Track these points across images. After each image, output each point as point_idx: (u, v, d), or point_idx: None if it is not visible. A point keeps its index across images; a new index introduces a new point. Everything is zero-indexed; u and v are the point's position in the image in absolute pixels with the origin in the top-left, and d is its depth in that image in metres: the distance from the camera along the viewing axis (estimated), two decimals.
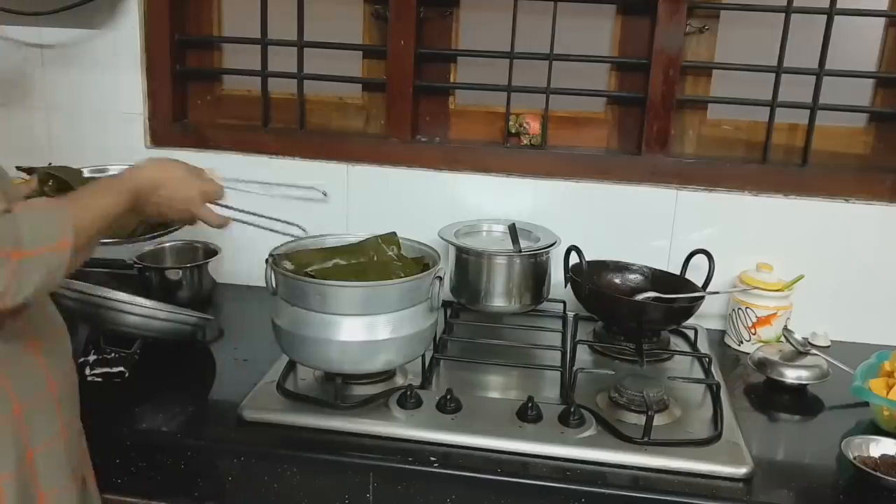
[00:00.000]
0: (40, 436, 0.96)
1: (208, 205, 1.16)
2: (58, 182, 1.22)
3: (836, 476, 1.14)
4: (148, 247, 1.70)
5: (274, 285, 1.24)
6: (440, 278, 1.24)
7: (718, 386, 1.29)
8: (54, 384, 0.99)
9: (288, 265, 1.26)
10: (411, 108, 1.69)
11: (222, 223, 1.17)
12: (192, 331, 1.41)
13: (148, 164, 1.10)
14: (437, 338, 1.39)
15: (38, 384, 0.97)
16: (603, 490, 1.07)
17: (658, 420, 1.18)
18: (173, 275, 1.63)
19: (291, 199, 1.64)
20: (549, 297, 1.57)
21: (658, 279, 1.55)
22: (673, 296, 1.48)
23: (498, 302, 1.51)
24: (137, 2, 1.69)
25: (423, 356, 1.32)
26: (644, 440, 1.13)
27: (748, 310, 1.53)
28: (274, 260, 1.26)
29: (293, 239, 1.33)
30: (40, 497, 0.97)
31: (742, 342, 1.55)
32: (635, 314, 1.45)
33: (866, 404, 1.26)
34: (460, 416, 1.19)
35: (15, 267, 0.83)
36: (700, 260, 1.49)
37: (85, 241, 0.93)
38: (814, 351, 1.43)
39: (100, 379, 1.30)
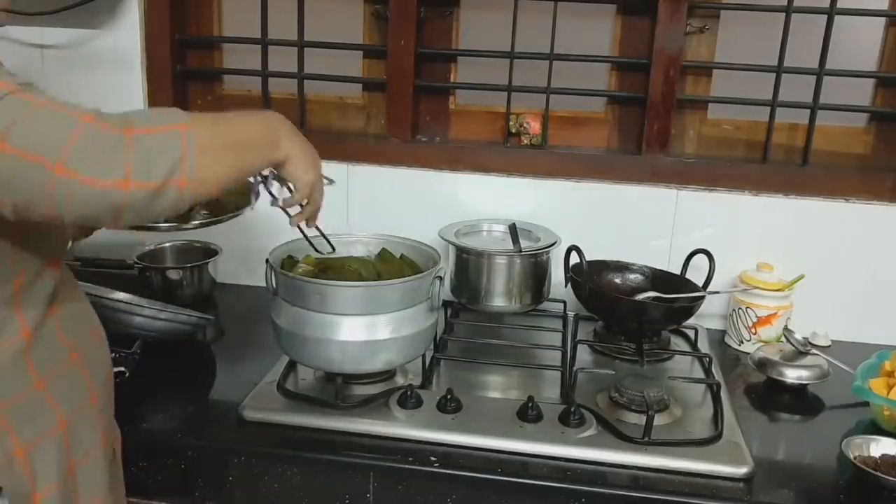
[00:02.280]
0: (81, 447, 0.95)
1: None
2: None
3: (836, 476, 1.14)
4: (148, 246, 1.70)
5: (274, 285, 1.24)
6: (440, 278, 1.24)
7: (719, 386, 1.29)
8: (95, 395, 0.98)
9: (304, 267, 1.27)
10: (411, 108, 1.69)
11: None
12: (193, 331, 1.41)
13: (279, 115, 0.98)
14: (438, 338, 1.39)
15: (81, 396, 0.96)
16: (603, 490, 1.07)
17: (658, 420, 1.18)
18: (174, 275, 1.63)
19: None
20: (550, 296, 1.57)
21: (658, 279, 1.55)
22: (673, 296, 1.48)
23: (498, 302, 1.51)
24: (137, 2, 1.69)
25: (424, 356, 1.32)
26: (644, 440, 1.13)
27: (748, 310, 1.53)
28: (291, 263, 1.28)
29: (293, 239, 1.34)
30: None
31: (742, 342, 1.55)
32: (636, 314, 1.45)
33: (867, 404, 1.26)
34: (460, 416, 1.19)
35: (132, 141, 0.74)
36: (700, 260, 1.49)
37: (212, 142, 0.82)
38: (814, 351, 1.43)
39: None
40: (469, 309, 1.57)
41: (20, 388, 0.88)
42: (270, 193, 1.04)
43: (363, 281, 1.25)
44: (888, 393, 1.23)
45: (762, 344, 1.49)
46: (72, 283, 0.98)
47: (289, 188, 1.03)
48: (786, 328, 1.50)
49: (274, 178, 1.03)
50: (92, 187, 0.73)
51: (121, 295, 1.44)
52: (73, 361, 0.95)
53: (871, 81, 1.62)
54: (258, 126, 0.94)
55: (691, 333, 1.55)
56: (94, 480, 0.98)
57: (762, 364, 1.40)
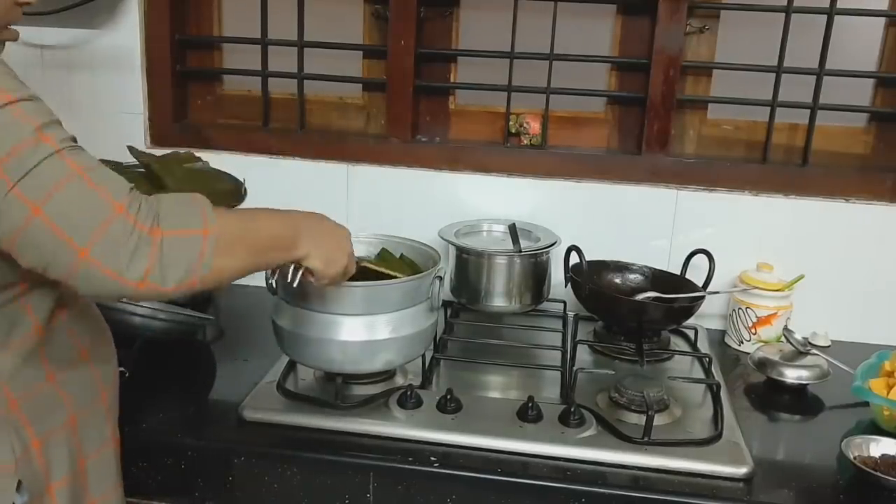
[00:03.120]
0: (92, 444, 0.98)
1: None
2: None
3: (836, 476, 1.14)
4: None
5: (274, 285, 1.24)
6: (440, 278, 1.24)
7: (718, 386, 1.29)
8: (105, 393, 1.01)
9: None
10: (411, 108, 1.69)
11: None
12: (192, 331, 1.41)
13: (312, 213, 1.03)
14: (438, 338, 1.39)
15: (91, 393, 0.98)
16: (603, 490, 1.07)
17: (658, 420, 1.18)
18: None
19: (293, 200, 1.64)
20: (550, 296, 1.57)
21: (658, 279, 1.55)
22: (673, 296, 1.48)
23: (498, 302, 1.51)
24: (137, 2, 1.69)
25: (424, 356, 1.32)
26: (644, 440, 1.13)
27: (748, 310, 1.53)
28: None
29: None
30: (90, 503, 0.98)
31: (742, 342, 1.55)
32: (635, 314, 1.45)
33: (866, 404, 1.26)
34: (460, 416, 1.19)
35: (157, 245, 0.79)
36: (700, 260, 1.49)
37: (231, 246, 0.86)
38: (814, 351, 1.43)
39: None
40: (469, 309, 1.57)
41: (35, 383, 0.90)
42: (293, 278, 1.05)
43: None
44: (888, 393, 1.23)
45: (762, 344, 1.49)
46: None
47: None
48: (786, 328, 1.50)
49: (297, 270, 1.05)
50: (111, 278, 0.78)
51: None
52: (83, 358, 0.97)
53: (871, 81, 1.62)
54: (281, 226, 0.98)
55: (691, 333, 1.55)
56: (104, 475, 1.00)
57: (762, 364, 1.40)
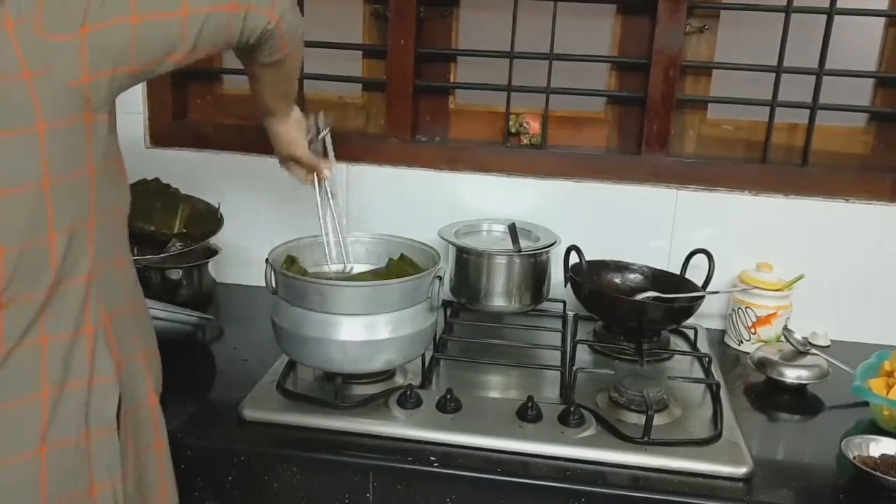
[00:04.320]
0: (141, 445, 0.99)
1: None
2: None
3: (836, 476, 1.14)
4: None
5: (274, 285, 1.24)
6: (440, 278, 1.24)
7: (718, 386, 1.29)
8: (153, 394, 1.02)
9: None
10: (411, 107, 1.69)
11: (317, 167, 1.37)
12: (192, 331, 1.41)
13: None
14: (437, 337, 1.39)
15: (141, 395, 0.99)
16: (603, 490, 1.07)
17: (658, 420, 1.18)
18: (173, 274, 1.63)
19: (292, 200, 1.64)
20: (549, 296, 1.57)
21: (658, 279, 1.55)
22: (673, 295, 1.48)
23: (498, 302, 1.51)
24: None
25: (423, 356, 1.32)
26: (644, 440, 1.13)
27: (748, 309, 1.53)
28: (291, 263, 1.30)
29: (293, 239, 1.34)
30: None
31: (742, 342, 1.55)
32: (635, 314, 1.45)
33: (866, 404, 1.26)
34: (460, 416, 1.19)
35: None
36: (700, 260, 1.49)
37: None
38: (814, 350, 1.44)
39: None
40: (469, 309, 1.57)
41: (119, 302, 0.94)
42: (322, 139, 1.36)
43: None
44: (888, 393, 1.23)
45: (762, 344, 1.49)
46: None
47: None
48: (785, 328, 1.50)
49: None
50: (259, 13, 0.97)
51: None
52: (138, 360, 0.99)
53: (871, 81, 1.63)
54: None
55: (691, 333, 1.55)
56: (149, 427, 1.02)
57: (762, 364, 1.40)
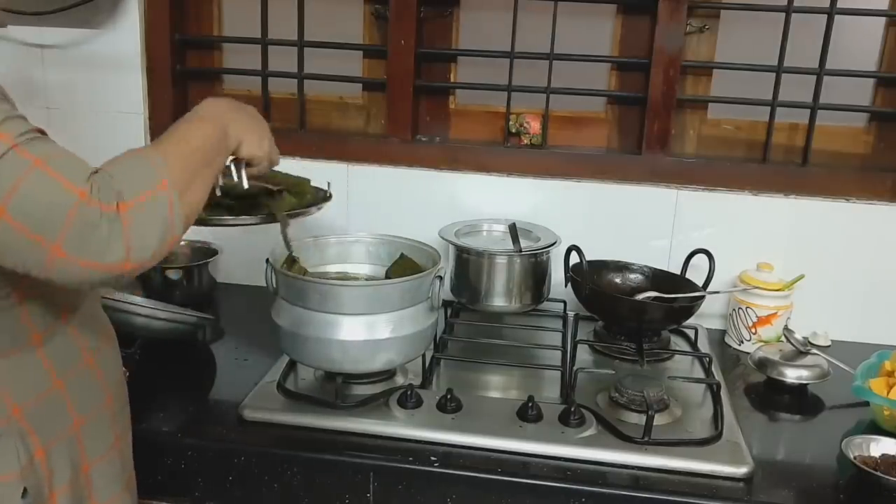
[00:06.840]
0: (96, 449, 0.96)
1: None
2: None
3: (836, 476, 1.14)
4: None
5: (274, 285, 1.24)
6: (440, 278, 1.24)
7: (719, 385, 1.29)
8: (110, 396, 0.99)
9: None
10: (411, 107, 1.69)
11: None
12: (192, 331, 1.41)
13: (213, 101, 0.99)
14: (438, 337, 1.39)
15: (97, 398, 0.97)
16: (603, 490, 1.07)
17: (658, 420, 1.18)
18: (173, 274, 1.63)
19: None
20: (550, 296, 1.57)
21: (658, 279, 1.55)
22: (673, 295, 1.48)
23: (498, 301, 1.51)
24: (137, 2, 1.69)
25: (424, 356, 1.32)
26: (644, 440, 1.13)
27: (748, 309, 1.53)
28: (291, 262, 1.29)
29: (293, 240, 1.34)
30: None
31: (742, 342, 1.55)
32: (636, 314, 1.45)
33: (867, 404, 1.26)
34: (460, 416, 1.19)
35: (129, 220, 0.76)
36: (700, 260, 1.49)
37: (188, 177, 0.85)
38: (814, 350, 1.43)
39: None
40: (469, 309, 1.56)
41: (39, 391, 0.89)
42: (239, 177, 1.04)
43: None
44: (888, 393, 1.23)
45: (762, 344, 1.49)
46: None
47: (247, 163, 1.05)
48: (786, 328, 1.50)
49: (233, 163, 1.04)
50: (92, 268, 0.76)
51: (121, 294, 1.44)
52: (88, 364, 0.96)
53: (871, 81, 1.63)
54: (208, 128, 0.93)
55: (691, 333, 1.55)
56: (111, 479, 0.99)
57: (762, 364, 1.40)
